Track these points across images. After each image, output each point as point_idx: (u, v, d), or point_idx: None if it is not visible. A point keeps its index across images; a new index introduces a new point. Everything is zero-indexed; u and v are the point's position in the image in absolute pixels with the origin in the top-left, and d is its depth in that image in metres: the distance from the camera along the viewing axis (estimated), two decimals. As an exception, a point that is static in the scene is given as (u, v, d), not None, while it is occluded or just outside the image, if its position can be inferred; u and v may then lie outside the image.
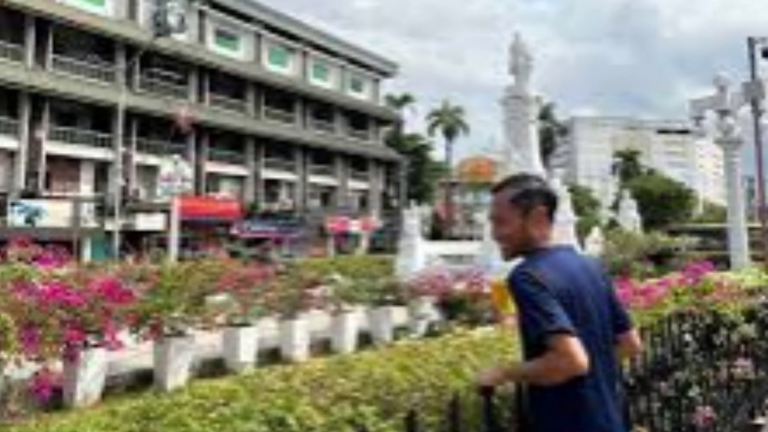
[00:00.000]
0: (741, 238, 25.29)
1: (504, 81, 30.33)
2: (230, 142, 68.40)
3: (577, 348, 3.20)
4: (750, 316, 7.94)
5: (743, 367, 7.36)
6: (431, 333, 15.88)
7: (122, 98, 53.33)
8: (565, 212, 28.79)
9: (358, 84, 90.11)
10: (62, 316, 10.34)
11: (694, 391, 6.17)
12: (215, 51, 69.10)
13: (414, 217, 34.59)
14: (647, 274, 22.48)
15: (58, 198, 50.43)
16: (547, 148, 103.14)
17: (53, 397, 9.77)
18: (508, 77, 29.61)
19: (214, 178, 66.63)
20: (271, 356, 14.78)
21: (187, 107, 59.06)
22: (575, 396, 3.39)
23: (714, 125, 26.64)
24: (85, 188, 55.68)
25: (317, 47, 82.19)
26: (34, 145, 51.10)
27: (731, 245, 25.51)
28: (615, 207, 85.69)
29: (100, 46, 58.59)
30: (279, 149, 73.57)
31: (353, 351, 14.66)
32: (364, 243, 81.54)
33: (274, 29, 76.16)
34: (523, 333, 3.49)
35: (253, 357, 14.03)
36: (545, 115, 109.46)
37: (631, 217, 48.91)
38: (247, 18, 73.02)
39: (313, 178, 78.39)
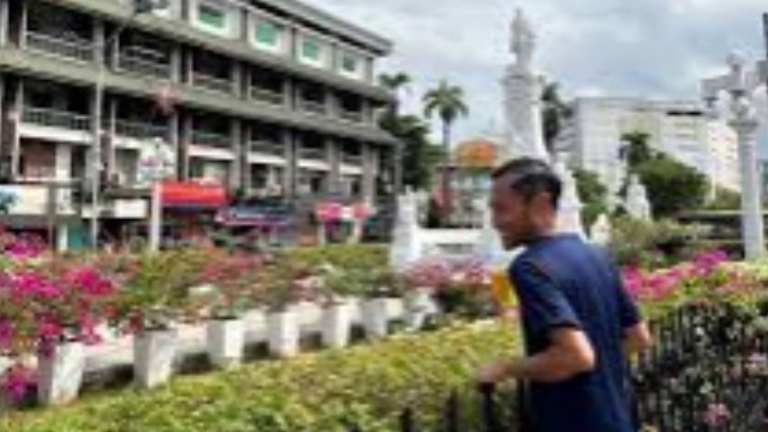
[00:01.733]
0: (756, 225, 25.29)
1: (505, 59, 30.27)
2: (215, 124, 68.31)
3: (582, 342, 3.19)
4: (766, 308, 7.94)
5: (758, 362, 7.36)
6: (428, 326, 15.91)
7: (100, 78, 53.19)
8: (570, 199, 28.77)
9: (351, 63, 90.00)
10: (37, 309, 10.32)
11: (706, 388, 6.17)
12: (199, 28, 68.96)
13: (409, 204, 34.54)
14: (657, 264, 22.49)
15: (32, 183, 50.34)
16: (550, 131, 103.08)
17: (27, 395, 9.77)
18: (509, 55, 29.55)
19: (198, 163, 66.53)
20: (258, 351, 14.79)
21: (169, 87, 59.01)
22: (580, 393, 3.39)
23: (727, 106, 26.62)
24: (61, 173, 55.58)
25: (307, 24, 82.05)
26: (7, 127, 50.93)
27: (746, 233, 25.51)
28: (622, 193, 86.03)
29: (77, 22, 58.42)
30: (266, 132, 73.48)
31: (345, 345, 14.64)
32: (357, 231, 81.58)
33: (261, 5, 75.95)
34: (525, 327, 3.48)
35: (239, 352, 14.04)
36: (548, 95, 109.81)
37: (639, 203, 48.96)
38: (232, -8, 72.74)
39: (303, 163, 78.26)
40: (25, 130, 52.11)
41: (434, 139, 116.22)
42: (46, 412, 9.04)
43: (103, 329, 11.62)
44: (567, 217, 26.58)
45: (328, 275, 19.10)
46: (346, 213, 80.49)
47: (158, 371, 12.23)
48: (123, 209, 56.62)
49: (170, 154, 49.00)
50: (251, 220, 66.36)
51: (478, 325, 6.52)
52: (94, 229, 50.44)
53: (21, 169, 51.82)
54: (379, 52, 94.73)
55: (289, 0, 79.60)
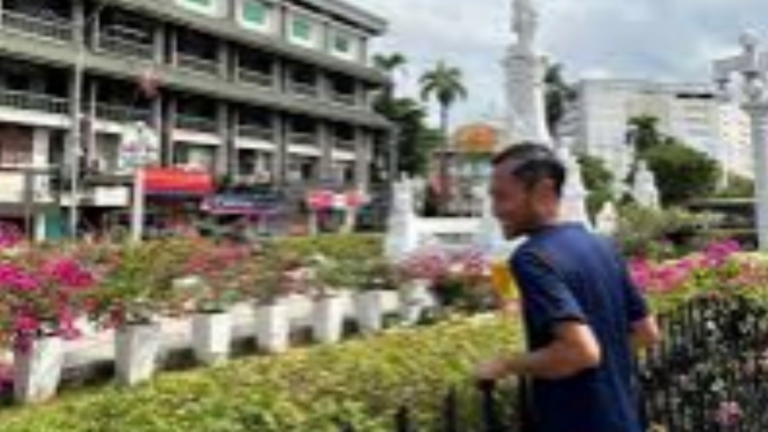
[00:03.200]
0: (770, 214, 25.30)
1: (506, 39, 30.28)
2: (200, 107, 68.10)
3: (587, 337, 3.19)
4: (780, 301, 7.93)
5: (772, 358, 7.36)
6: (425, 320, 15.95)
7: (80, 59, 53.12)
8: (574, 186, 28.81)
9: (343, 43, 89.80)
10: (13, 302, 10.31)
11: (717, 385, 6.17)
12: (183, 6, 68.56)
13: (405, 191, 34.53)
14: (665, 255, 22.54)
15: (8, 170, 50.20)
16: (553, 114, 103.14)
17: (3, 392, 9.77)
18: (510, 35, 29.54)
19: (183, 148, 66.40)
20: (246, 346, 14.82)
21: (152, 69, 58.85)
22: (585, 390, 3.39)
23: (740, 89, 26.62)
24: (39, 159, 55.38)
25: (297, 2, 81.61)
26: (-19, 110, 50.85)
27: (759, 222, 25.52)
28: (629, 180, 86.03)
29: (56, 0, 58.23)
30: (255, 116, 73.28)
31: (338, 340, 14.68)
32: (350, 220, 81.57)
33: (249, -19, 75.68)
34: (528, 320, 3.48)
35: (226, 347, 14.04)
36: (552, 77, 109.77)
37: (647, 191, 48.95)
38: (218, -32, 72.53)
39: (293, 148, 78.11)
40: (0, 113, 51.91)
41: (431, 123, 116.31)
42: (22, 410, 9.07)
43: (82, 323, 11.61)
44: (571, 205, 26.60)
45: (320, 266, 19.12)
46: (339, 201, 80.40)
47: (141, 367, 12.23)
48: (104, 197, 56.50)
49: (153, 139, 49.12)
50: (239, 208, 66.33)
51: (478, 319, 6.52)
52: (74, 218, 50.48)
53: (-4, 155, 51.67)
54: (373, 32, 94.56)
55: (278, -23, 79.33)
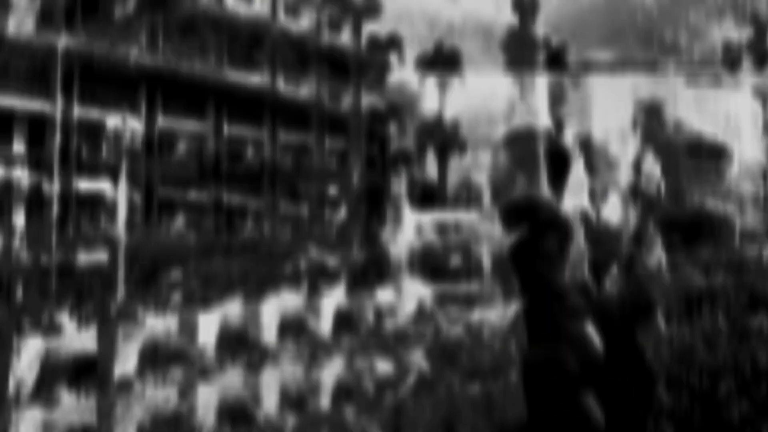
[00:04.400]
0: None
1: (507, 20, 30.26)
2: (188, 93, 67.83)
3: (591, 333, 3.19)
4: (793, 295, 7.93)
5: (784, 354, 7.36)
6: (422, 314, 15.95)
7: (62, 41, 52.89)
8: (578, 174, 28.82)
9: (337, 25, 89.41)
10: (-9, 296, 10.31)
11: (727, 383, 6.18)
12: (169, -14, 68.32)
13: (402, 181, 34.49)
14: (674, 246, 22.63)
15: (-14, 158, 50.07)
16: (556, 98, 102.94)
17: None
18: (511, 16, 29.51)
19: (169, 135, 66.09)
20: (236, 341, 14.80)
21: (137, 52, 58.61)
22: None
23: (751, 72, 26.61)
24: (18, 146, 55.17)
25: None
26: (-43, 96, 50.64)
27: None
28: (636, 167, 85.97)
29: (35, -21, 58.07)
30: (245, 102, 72.91)
31: (331, 334, 14.73)
32: (344, 210, 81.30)
33: (237, -41, 75.31)
34: (529, 316, 3.48)
35: (214, 341, 14.03)
36: (555, 59, 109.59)
37: (654, 178, 48.92)
38: (205, -54, 72.19)
39: (284, 135, 77.66)
40: (-23, 99, 51.66)
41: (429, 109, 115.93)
42: (2, 408, 9.09)
43: (64, 318, 11.60)
44: (575, 194, 26.62)
45: (313, 259, 19.14)
46: (332, 190, 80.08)
47: (124, 364, 12.21)
48: (87, 186, 56.28)
49: (138, 126, 48.92)
50: (228, 198, 66.10)
51: (477, 314, 6.55)
52: (55, 208, 50.32)
53: (-28, 143, 51.45)
54: (368, 13, 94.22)
55: (268, -45, 78.84)
